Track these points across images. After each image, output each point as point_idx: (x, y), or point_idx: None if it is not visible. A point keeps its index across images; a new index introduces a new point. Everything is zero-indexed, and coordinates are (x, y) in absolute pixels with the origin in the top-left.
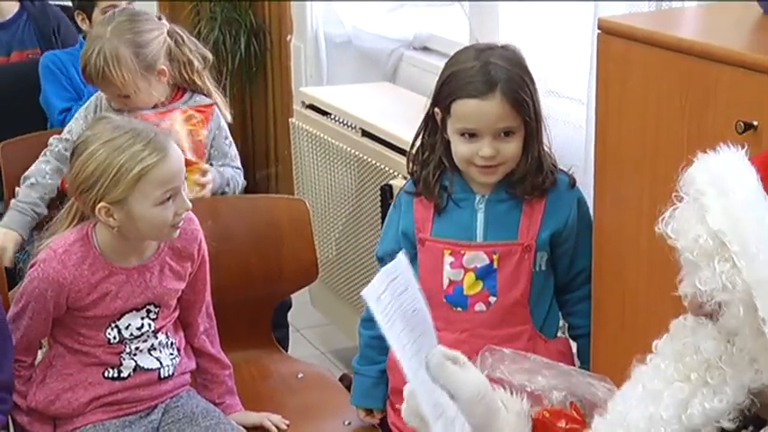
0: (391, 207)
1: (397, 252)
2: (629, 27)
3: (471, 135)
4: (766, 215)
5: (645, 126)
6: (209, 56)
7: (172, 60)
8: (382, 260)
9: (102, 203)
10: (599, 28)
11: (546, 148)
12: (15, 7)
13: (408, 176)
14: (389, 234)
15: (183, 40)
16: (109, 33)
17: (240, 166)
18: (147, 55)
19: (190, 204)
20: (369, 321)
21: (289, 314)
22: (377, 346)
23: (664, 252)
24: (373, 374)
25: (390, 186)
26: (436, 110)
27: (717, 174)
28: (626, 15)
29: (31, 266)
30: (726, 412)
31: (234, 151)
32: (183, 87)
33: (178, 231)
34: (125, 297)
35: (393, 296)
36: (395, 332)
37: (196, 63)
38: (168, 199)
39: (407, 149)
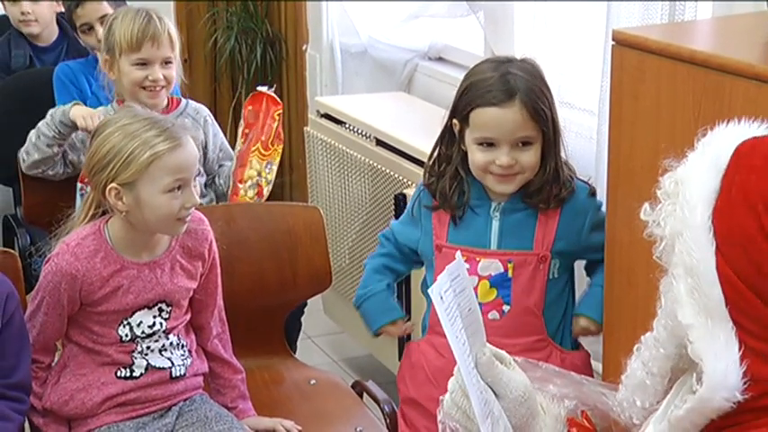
0: (408, 212)
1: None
2: (643, 39)
3: (489, 144)
4: (715, 183)
5: (658, 138)
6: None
7: None
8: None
9: (113, 184)
10: (613, 39)
11: (563, 159)
12: (56, 33)
13: (417, 184)
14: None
15: None
16: (142, 7)
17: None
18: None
19: (198, 200)
20: (371, 257)
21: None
22: (380, 272)
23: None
24: (383, 287)
25: (404, 195)
26: (454, 121)
27: (725, 139)
28: (640, 27)
29: (46, 262)
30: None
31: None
32: (174, 97)
33: (185, 227)
34: (136, 292)
35: (455, 294)
36: (455, 329)
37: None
38: (177, 189)
39: (421, 159)
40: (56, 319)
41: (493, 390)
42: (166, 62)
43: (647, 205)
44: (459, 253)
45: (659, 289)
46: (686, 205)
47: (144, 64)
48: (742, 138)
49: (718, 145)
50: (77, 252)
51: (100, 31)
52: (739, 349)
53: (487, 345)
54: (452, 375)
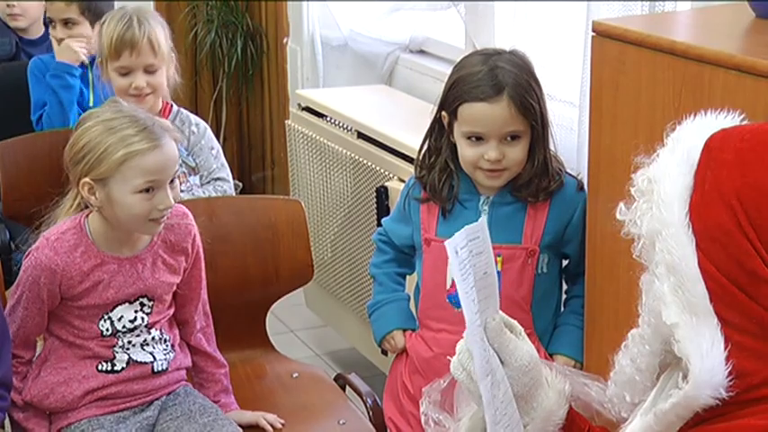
0: (398, 207)
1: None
2: (623, 30)
3: (478, 138)
4: (688, 180)
5: (638, 128)
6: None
7: None
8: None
9: (86, 179)
10: (593, 31)
11: (552, 152)
12: (42, 28)
13: (407, 178)
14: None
15: None
16: (132, 10)
17: (228, 173)
18: (168, 35)
19: (171, 202)
20: (378, 265)
21: (284, 315)
22: (393, 279)
23: None
24: (406, 297)
25: (386, 188)
26: (443, 113)
27: (694, 133)
28: (620, 18)
29: (26, 256)
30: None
31: (219, 162)
32: (170, 103)
33: (160, 227)
34: (117, 287)
35: (471, 254)
36: (467, 285)
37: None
38: (148, 190)
39: (403, 152)
40: (36, 313)
41: (499, 356)
42: (149, 69)
43: (621, 205)
44: (483, 217)
45: (640, 286)
46: (662, 204)
47: (127, 72)
48: (711, 131)
49: (688, 140)
50: (57, 246)
51: (59, 31)
52: (725, 346)
53: (500, 312)
54: (439, 367)
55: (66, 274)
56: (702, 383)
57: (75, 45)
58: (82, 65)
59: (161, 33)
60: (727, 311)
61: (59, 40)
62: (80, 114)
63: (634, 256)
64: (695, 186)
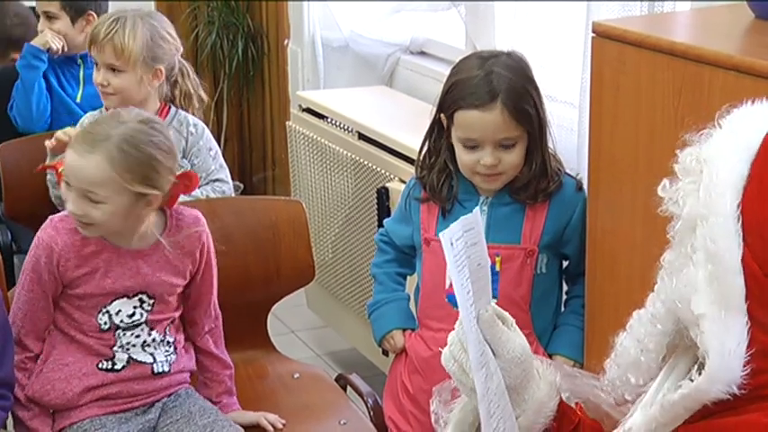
0: (400, 208)
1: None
2: (623, 30)
3: (473, 145)
4: (744, 169)
5: (638, 129)
6: (206, 98)
7: (174, 85)
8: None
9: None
10: (593, 31)
11: (551, 152)
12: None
13: (408, 179)
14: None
15: (188, 74)
16: (133, 12)
17: (227, 174)
18: (158, 47)
19: (71, 208)
20: (379, 265)
21: (284, 316)
22: (394, 279)
23: (658, 253)
24: (406, 297)
25: (387, 189)
26: (441, 115)
27: (754, 121)
28: (620, 19)
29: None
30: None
31: (218, 163)
32: (168, 104)
33: (85, 230)
34: (114, 277)
35: (466, 245)
36: (462, 276)
37: (195, 100)
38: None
39: (404, 152)
40: (40, 296)
41: (491, 348)
42: (114, 68)
43: (666, 181)
44: (477, 208)
45: (660, 262)
46: (713, 189)
47: (98, 65)
48: None
49: (748, 127)
50: (59, 226)
51: (40, 23)
52: (748, 345)
53: (492, 303)
54: (439, 366)
55: (63, 254)
56: (717, 380)
57: (49, 34)
58: (49, 52)
59: (137, 38)
60: (762, 312)
61: (41, 32)
62: (62, 105)
63: (668, 236)
64: (751, 177)
